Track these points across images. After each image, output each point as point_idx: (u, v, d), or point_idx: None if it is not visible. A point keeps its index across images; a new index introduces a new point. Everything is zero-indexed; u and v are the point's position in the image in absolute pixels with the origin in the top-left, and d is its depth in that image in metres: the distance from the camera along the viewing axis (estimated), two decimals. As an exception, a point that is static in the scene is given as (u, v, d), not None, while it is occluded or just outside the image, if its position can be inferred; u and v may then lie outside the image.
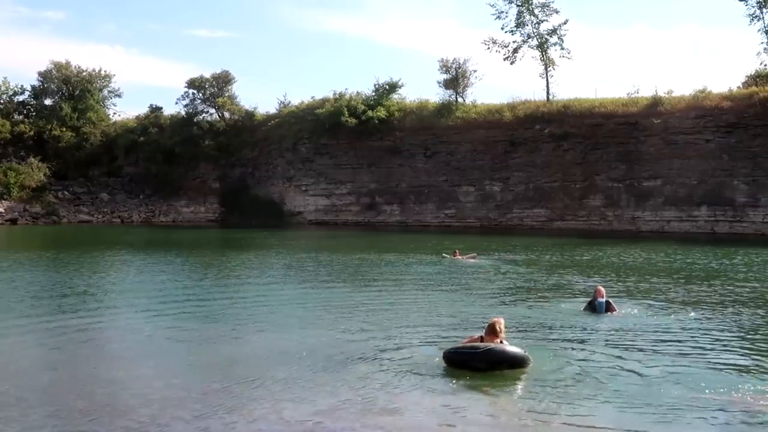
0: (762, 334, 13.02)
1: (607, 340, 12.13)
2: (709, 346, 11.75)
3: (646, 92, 53.06)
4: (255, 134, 65.35)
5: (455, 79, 60.28)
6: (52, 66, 67.80)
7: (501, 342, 10.05)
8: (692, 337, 12.51)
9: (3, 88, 66.95)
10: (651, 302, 16.39)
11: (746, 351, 11.54)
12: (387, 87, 60.97)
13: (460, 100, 60.51)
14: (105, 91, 71.40)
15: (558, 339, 12.27)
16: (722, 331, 13.06)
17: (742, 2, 51.95)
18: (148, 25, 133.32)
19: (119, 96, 72.82)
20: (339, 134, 59.32)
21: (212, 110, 67.91)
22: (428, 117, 58.53)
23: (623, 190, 50.37)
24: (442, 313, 14.96)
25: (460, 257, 27.03)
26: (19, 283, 19.84)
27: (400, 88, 61.61)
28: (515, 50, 59.65)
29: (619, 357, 10.79)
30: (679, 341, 12.10)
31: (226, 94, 67.13)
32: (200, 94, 67.18)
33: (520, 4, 58.83)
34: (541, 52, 59.13)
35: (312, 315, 14.66)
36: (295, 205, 62.68)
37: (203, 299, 17.18)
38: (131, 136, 66.83)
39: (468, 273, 22.89)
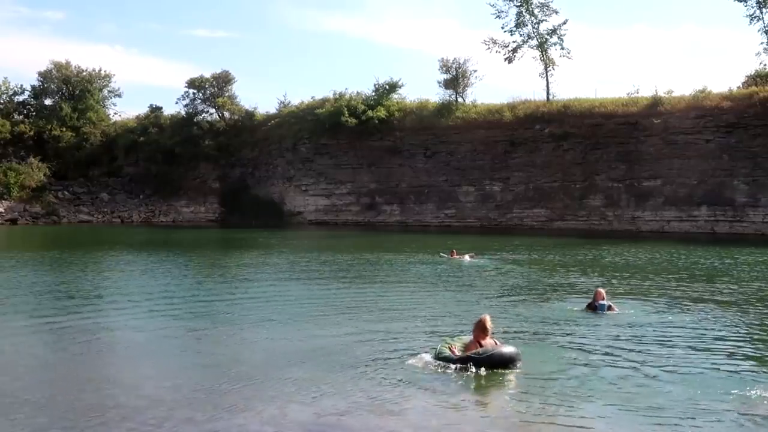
0: (765, 334, 13.00)
1: (607, 340, 12.10)
2: (711, 347, 11.72)
3: (646, 92, 53.13)
4: (255, 134, 65.37)
5: (455, 79, 60.28)
6: (52, 66, 67.85)
7: (493, 340, 10.14)
8: (694, 337, 12.49)
9: (3, 88, 67.00)
10: (652, 302, 16.37)
11: (749, 351, 11.53)
12: (387, 87, 60.98)
13: (460, 100, 60.53)
14: (105, 91, 71.45)
15: (558, 339, 12.24)
16: (724, 331, 13.04)
17: (742, 2, 52.02)
18: (148, 25, 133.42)
19: (119, 96, 73.02)
20: (339, 134, 59.33)
21: (212, 110, 67.95)
22: (428, 117, 58.53)
23: (623, 190, 50.39)
24: (441, 313, 14.97)
25: (457, 257, 27.07)
26: (19, 283, 19.83)
27: (400, 88, 61.71)
28: (515, 50, 59.68)
29: (620, 358, 10.78)
30: (680, 341, 12.06)
31: (226, 94, 67.13)
32: (200, 94, 67.20)
33: (519, 4, 58.83)
34: (541, 52, 59.14)
35: (313, 315, 14.65)
36: (295, 205, 62.70)
37: (205, 299, 17.18)
38: (131, 136, 66.84)
39: (467, 273, 22.90)
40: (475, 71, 60.81)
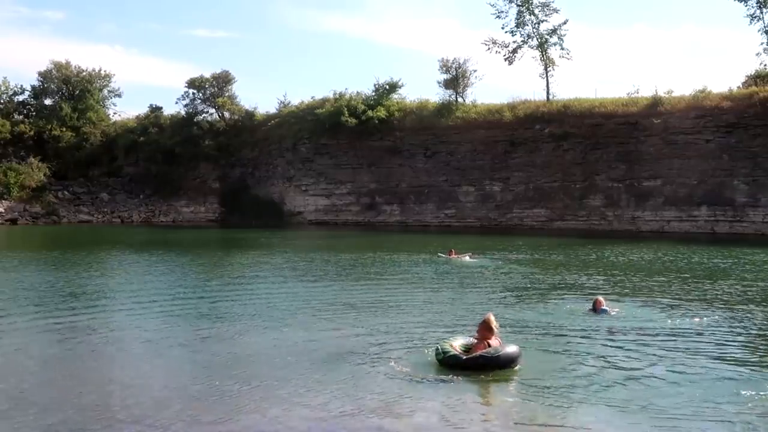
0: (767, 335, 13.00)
1: (608, 341, 12.08)
2: (715, 347, 11.69)
3: (646, 92, 53.10)
4: (255, 134, 65.33)
5: (455, 79, 60.27)
6: (52, 66, 67.82)
7: (498, 339, 10.16)
8: (696, 338, 12.47)
9: (3, 88, 66.94)
10: (653, 303, 16.36)
11: (752, 352, 11.52)
12: (387, 87, 60.97)
13: (460, 100, 60.51)
14: (105, 91, 71.38)
15: (559, 340, 12.23)
16: (727, 331, 13.01)
17: (742, 2, 52.01)
18: (148, 25, 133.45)
19: (119, 96, 72.92)
20: (339, 134, 59.32)
21: (212, 110, 67.88)
22: (428, 117, 58.52)
23: (623, 190, 50.38)
24: (442, 313, 15.00)
25: (455, 256, 27.08)
26: (20, 283, 19.82)
27: (400, 88, 61.64)
28: (515, 50, 59.69)
29: (621, 358, 10.77)
30: (682, 342, 12.04)
31: (226, 94, 67.09)
32: (200, 94, 67.14)
33: (520, 4, 58.82)
34: (541, 52, 59.14)
35: (315, 315, 14.66)
36: (295, 205, 62.68)
37: (208, 299, 17.18)
38: (131, 136, 66.79)
39: (465, 272, 22.91)
40: (475, 71, 60.87)
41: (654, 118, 49.06)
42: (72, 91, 68.08)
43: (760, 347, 12.03)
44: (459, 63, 60.26)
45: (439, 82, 61.26)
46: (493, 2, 59.75)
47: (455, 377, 9.59)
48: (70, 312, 14.88)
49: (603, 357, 10.86)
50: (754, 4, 51.49)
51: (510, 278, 21.58)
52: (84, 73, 68.62)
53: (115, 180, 66.23)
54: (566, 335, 12.57)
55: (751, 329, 13.32)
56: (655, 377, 9.69)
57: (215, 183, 66.07)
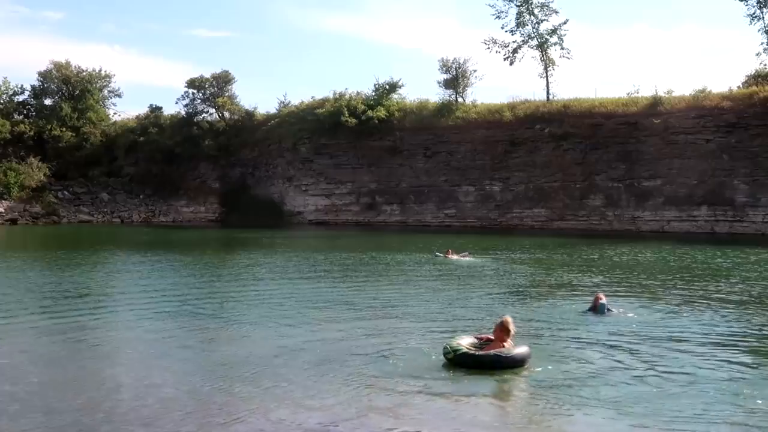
0: None
1: (609, 342, 12.04)
2: (715, 348, 11.67)
3: (646, 92, 53.20)
4: (255, 134, 65.33)
5: (455, 79, 60.32)
6: (52, 66, 67.78)
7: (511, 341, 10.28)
8: (697, 338, 12.47)
9: (3, 88, 66.91)
10: (655, 302, 16.35)
11: (755, 353, 11.51)
12: (387, 87, 61.02)
13: (460, 100, 60.55)
14: (105, 91, 71.38)
15: (560, 340, 12.20)
16: (729, 332, 13.01)
17: (742, 2, 52.09)
18: (147, 25, 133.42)
19: (119, 96, 72.85)
20: (339, 134, 59.35)
21: (212, 110, 67.94)
22: (428, 117, 58.57)
23: (623, 190, 50.43)
24: (441, 313, 15.01)
25: (452, 256, 27.12)
26: (24, 284, 19.79)
27: (400, 88, 61.79)
28: (515, 50, 59.75)
29: (623, 360, 10.76)
30: (684, 343, 12.04)
31: (226, 94, 67.14)
32: (200, 94, 67.21)
33: (519, 4, 58.91)
34: (541, 52, 59.23)
35: (319, 314, 14.65)
36: (295, 205, 62.71)
37: (211, 299, 17.18)
38: (131, 136, 66.84)
39: (464, 272, 22.93)
40: (475, 71, 61.01)
41: (654, 118, 49.11)
42: (72, 91, 68.07)
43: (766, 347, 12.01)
44: (459, 63, 60.44)
45: (439, 82, 61.50)
46: (493, 2, 60.18)
47: (455, 377, 9.62)
48: (75, 313, 14.85)
49: (605, 357, 10.85)
50: (754, 4, 51.58)
51: (508, 278, 21.59)
52: (84, 73, 68.60)
53: (115, 180, 66.19)
54: (567, 335, 12.54)
55: (759, 328, 13.30)
56: (658, 378, 9.67)
57: (215, 183, 66.10)
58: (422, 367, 10.06)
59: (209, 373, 9.96)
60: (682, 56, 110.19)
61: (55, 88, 68.25)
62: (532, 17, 59.05)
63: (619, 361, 10.63)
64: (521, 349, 10.17)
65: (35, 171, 61.23)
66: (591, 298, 15.35)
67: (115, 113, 72.92)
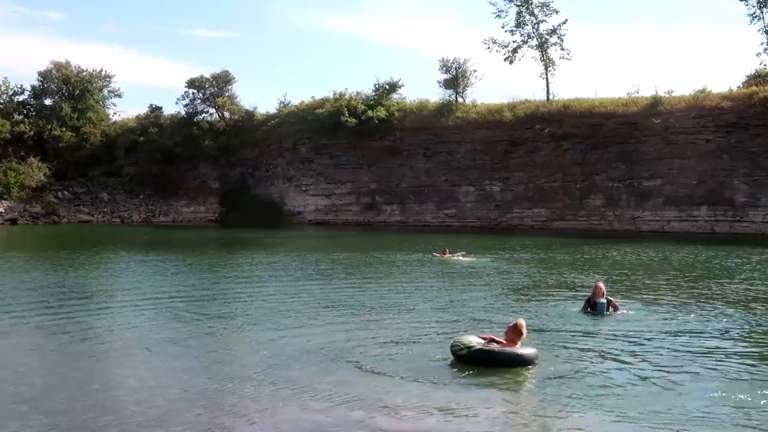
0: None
1: (610, 342, 12.07)
2: (717, 348, 11.69)
3: (646, 92, 53.22)
4: (255, 134, 65.35)
5: (455, 79, 60.34)
6: (52, 66, 67.79)
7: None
8: (699, 337, 12.49)
9: (3, 88, 66.94)
10: (656, 302, 16.36)
11: (756, 353, 11.53)
12: (387, 87, 61.03)
13: (460, 100, 60.57)
14: (105, 91, 71.42)
15: (560, 340, 12.18)
16: (731, 332, 13.01)
17: (742, 2, 52.13)
18: (147, 25, 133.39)
19: (119, 96, 72.92)
20: (339, 134, 59.37)
21: (212, 110, 67.97)
22: (428, 117, 58.59)
23: (623, 190, 50.47)
24: (440, 312, 15.03)
25: (449, 256, 27.16)
26: (26, 284, 19.79)
27: (400, 88, 61.80)
28: (515, 50, 59.78)
29: (624, 360, 10.76)
30: (686, 343, 12.05)
31: (226, 94, 67.16)
32: (200, 94, 67.23)
33: (519, 3, 58.93)
34: (541, 52, 59.26)
35: (319, 314, 14.70)
36: (295, 205, 62.72)
37: (211, 299, 17.22)
38: (131, 136, 66.87)
39: (464, 272, 22.95)
40: (475, 71, 61.01)
41: (654, 118, 49.14)
42: (72, 91, 68.07)
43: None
44: (459, 63, 60.46)
45: (439, 82, 61.51)
46: (493, 2, 60.03)
47: (459, 377, 9.65)
48: (79, 313, 14.87)
49: (606, 357, 10.88)
50: (754, 4, 51.61)
51: (507, 277, 21.60)
52: (84, 73, 68.60)
53: (115, 180, 66.20)
54: (568, 336, 12.52)
55: (755, 329, 13.32)
56: (659, 378, 9.68)
57: (215, 183, 66.12)
58: (427, 367, 10.09)
59: (215, 373, 9.98)
60: (682, 56, 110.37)
61: (55, 88, 68.25)
62: (532, 17, 59.16)
63: (619, 361, 10.64)
64: (531, 350, 10.32)
65: (35, 171, 61.23)
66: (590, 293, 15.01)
67: (115, 113, 73.15)
